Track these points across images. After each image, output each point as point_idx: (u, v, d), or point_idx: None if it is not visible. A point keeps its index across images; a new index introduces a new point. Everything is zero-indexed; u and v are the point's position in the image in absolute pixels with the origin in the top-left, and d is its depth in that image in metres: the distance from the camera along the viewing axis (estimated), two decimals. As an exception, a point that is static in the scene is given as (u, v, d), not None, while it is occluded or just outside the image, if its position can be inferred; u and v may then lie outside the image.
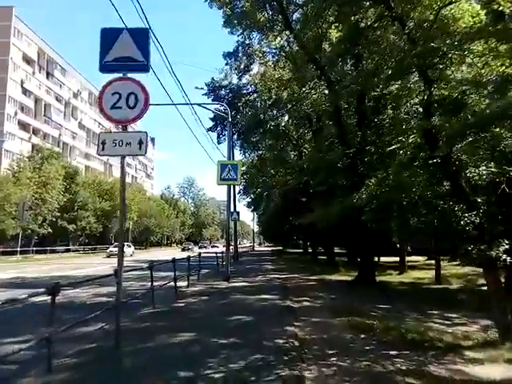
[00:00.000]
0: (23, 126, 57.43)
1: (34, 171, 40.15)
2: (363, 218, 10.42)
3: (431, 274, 20.02)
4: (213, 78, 21.64)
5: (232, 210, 30.40)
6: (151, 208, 70.63)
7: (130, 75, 5.93)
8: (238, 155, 32.19)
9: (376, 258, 29.61)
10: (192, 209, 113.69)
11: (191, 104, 16.71)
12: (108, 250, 40.43)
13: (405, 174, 8.29)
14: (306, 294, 11.33)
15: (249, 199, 42.31)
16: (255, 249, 69.19)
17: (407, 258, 33.06)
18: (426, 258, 30.67)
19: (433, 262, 29.80)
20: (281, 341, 5.92)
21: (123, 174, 5.89)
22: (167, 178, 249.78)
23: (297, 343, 5.86)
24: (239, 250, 42.79)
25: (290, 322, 7.28)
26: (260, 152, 28.00)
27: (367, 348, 5.72)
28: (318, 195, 22.21)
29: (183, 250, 59.57)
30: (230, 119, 16.83)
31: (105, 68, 5.98)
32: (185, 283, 13.19)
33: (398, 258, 31.22)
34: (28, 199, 35.10)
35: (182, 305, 9.46)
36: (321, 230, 23.24)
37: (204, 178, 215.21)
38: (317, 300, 10.22)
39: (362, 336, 6.38)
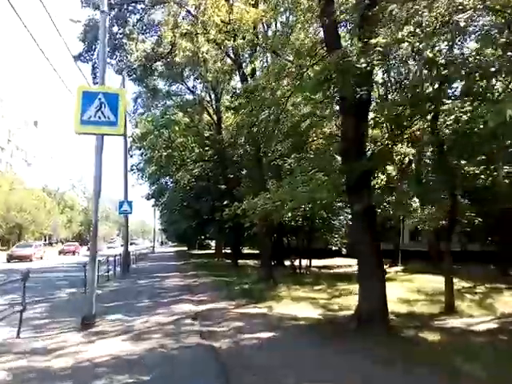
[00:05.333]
0: None
1: None
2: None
3: (405, 288, 14.11)
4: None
5: (123, 198, 21.70)
6: (24, 201, 56.95)
7: None
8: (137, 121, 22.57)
9: (306, 262, 22.86)
10: (83, 204, 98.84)
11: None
12: None
13: None
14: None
15: (148, 189, 33.34)
16: (156, 250, 59.42)
17: (334, 261, 27.23)
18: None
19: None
20: None
21: None
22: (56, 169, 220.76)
23: None
24: (135, 252, 33.86)
25: None
26: (168, 102, 19.44)
27: None
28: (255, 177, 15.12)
29: None
30: (106, 8, 8.58)
31: None
32: None
33: (328, 262, 25.37)
34: None
35: None
36: (251, 225, 16.10)
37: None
38: None
39: None
